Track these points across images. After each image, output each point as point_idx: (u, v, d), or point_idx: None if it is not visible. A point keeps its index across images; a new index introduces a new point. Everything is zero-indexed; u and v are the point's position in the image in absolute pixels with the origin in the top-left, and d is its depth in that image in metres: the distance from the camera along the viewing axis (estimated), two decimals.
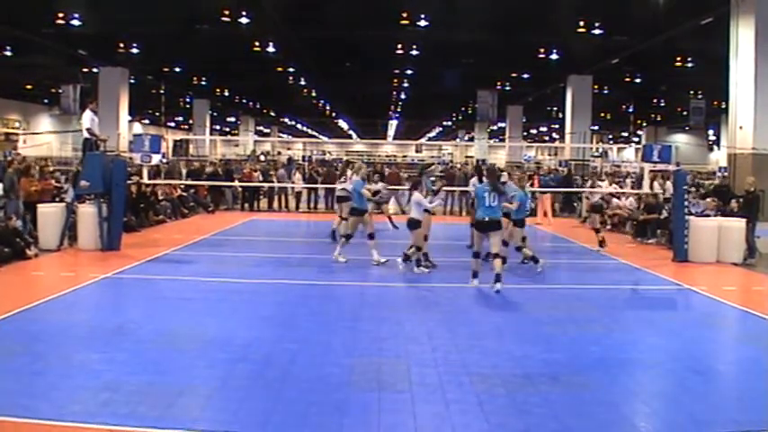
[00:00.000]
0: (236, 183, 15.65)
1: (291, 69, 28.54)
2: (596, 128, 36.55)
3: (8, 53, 23.54)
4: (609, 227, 16.31)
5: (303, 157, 40.18)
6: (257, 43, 22.25)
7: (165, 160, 18.05)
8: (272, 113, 49.70)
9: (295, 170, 21.89)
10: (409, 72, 28.58)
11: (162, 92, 32.57)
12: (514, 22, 18.31)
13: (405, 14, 18.47)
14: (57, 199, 12.59)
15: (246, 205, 19.94)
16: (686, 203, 11.41)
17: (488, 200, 8.20)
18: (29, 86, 33.09)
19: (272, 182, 19.63)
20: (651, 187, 13.97)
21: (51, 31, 20.11)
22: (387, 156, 52.33)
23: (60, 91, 26.24)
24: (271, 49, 22.53)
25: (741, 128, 15.29)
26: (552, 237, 14.89)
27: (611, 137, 43.94)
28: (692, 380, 5.16)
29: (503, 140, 42.83)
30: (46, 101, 37.15)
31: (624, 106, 36.95)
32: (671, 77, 27.06)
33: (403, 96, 37.00)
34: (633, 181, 21.13)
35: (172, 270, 9.41)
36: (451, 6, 17.44)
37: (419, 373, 5.08)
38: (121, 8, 18.06)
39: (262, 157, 37.05)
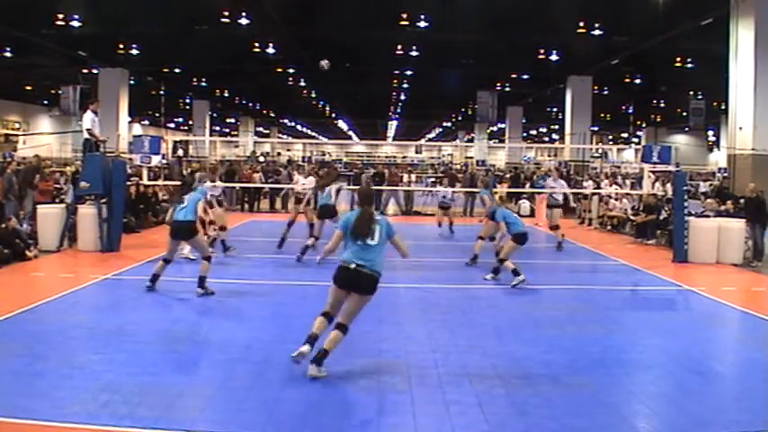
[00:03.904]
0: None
1: (291, 70, 28.55)
2: (596, 128, 36.54)
3: (8, 54, 23.52)
4: (609, 227, 16.37)
5: (303, 158, 40.20)
6: (257, 44, 22.25)
7: (165, 161, 18.05)
8: (272, 114, 49.70)
9: (294, 171, 21.83)
10: (409, 73, 28.57)
11: (162, 93, 32.56)
12: (514, 22, 18.30)
13: (404, 15, 18.47)
14: (57, 200, 12.62)
15: (247, 206, 19.96)
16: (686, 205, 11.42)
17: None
18: (28, 87, 33.09)
19: (274, 183, 19.65)
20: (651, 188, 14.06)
21: (51, 32, 20.10)
22: (386, 156, 52.42)
23: (60, 92, 26.25)
24: (270, 50, 22.53)
25: (741, 129, 15.28)
26: (550, 237, 14.87)
27: (610, 138, 43.94)
28: (692, 381, 5.16)
29: (503, 141, 42.84)
30: (46, 102, 37.15)
31: (624, 107, 36.95)
32: (671, 78, 27.06)
33: (403, 97, 37.00)
34: (633, 181, 21.16)
35: (171, 271, 9.38)
36: (451, 7, 17.44)
37: (419, 373, 5.08)
38: (121, 9, 18.07)
39: (261, 158, 37.07)
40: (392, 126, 58.27)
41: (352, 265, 5.00)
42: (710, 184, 23.58)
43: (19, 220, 10.77)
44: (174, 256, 8.03)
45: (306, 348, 4.89)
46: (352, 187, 19.87)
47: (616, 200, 16.55)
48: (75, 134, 25.11)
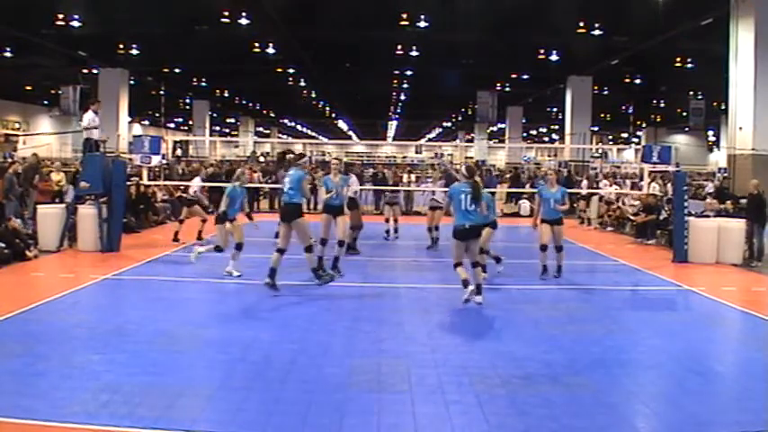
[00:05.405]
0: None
1: (291, 70, 28.55)
2: (596, 129, 36.52)
3: (8, 54, 23.54)
4: (609, 227, 16.37)
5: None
6: (257, 44, 22.26)
7: (164, 161, 18.06)
8: (272, 114, 49.72)
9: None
10: (409, 73, 28.58)
11: (162, 93, 32.58)
12: (514, 22, 18.31)
13: (404, 15, 18.48)
14: (56, 200, 12.62)
15: (246, 206, 19.93)
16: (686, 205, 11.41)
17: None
18: (29, 87, 33.11)
19: (274, 183, 19.63)
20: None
21: (51, 32, 20.12)
22: (386, 156, 52.44)
23: (60, 92, 26.25)
24: (270, 50, 22.54)
25: (741, 129, 15.28)
26: None
27: (610, 138, 43.94)
28: (692, 381, 5.16)
29: (503, 141, 42.83)
30: (46, 102, 37.17)
31: (624, 107, 36.96)
32: (671, 78, 27.07)
33: (403, 97, 37.02)
34: (634, 181, 21.17)
35: (171, 271, 9.42)
36: (451, 7, 17.44)
37: (419, 373, 5.08)
38: (121, 9, 18.07)
39: (261, 158, 37.05)
40: (392, 126, 58.28)
41: (467, 225, 7.24)
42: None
43: (24, 219, 10.79)
44: (287, 243, 7.82)
45: (470, 288, 7.14)
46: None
47: (618, 199, 16.54)
48: (75, 134, 25.10)
